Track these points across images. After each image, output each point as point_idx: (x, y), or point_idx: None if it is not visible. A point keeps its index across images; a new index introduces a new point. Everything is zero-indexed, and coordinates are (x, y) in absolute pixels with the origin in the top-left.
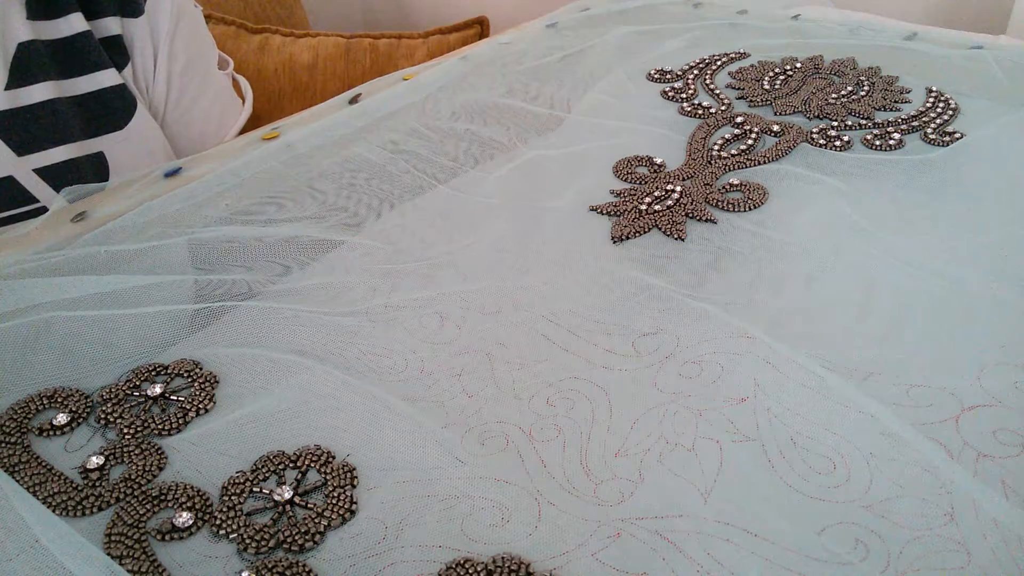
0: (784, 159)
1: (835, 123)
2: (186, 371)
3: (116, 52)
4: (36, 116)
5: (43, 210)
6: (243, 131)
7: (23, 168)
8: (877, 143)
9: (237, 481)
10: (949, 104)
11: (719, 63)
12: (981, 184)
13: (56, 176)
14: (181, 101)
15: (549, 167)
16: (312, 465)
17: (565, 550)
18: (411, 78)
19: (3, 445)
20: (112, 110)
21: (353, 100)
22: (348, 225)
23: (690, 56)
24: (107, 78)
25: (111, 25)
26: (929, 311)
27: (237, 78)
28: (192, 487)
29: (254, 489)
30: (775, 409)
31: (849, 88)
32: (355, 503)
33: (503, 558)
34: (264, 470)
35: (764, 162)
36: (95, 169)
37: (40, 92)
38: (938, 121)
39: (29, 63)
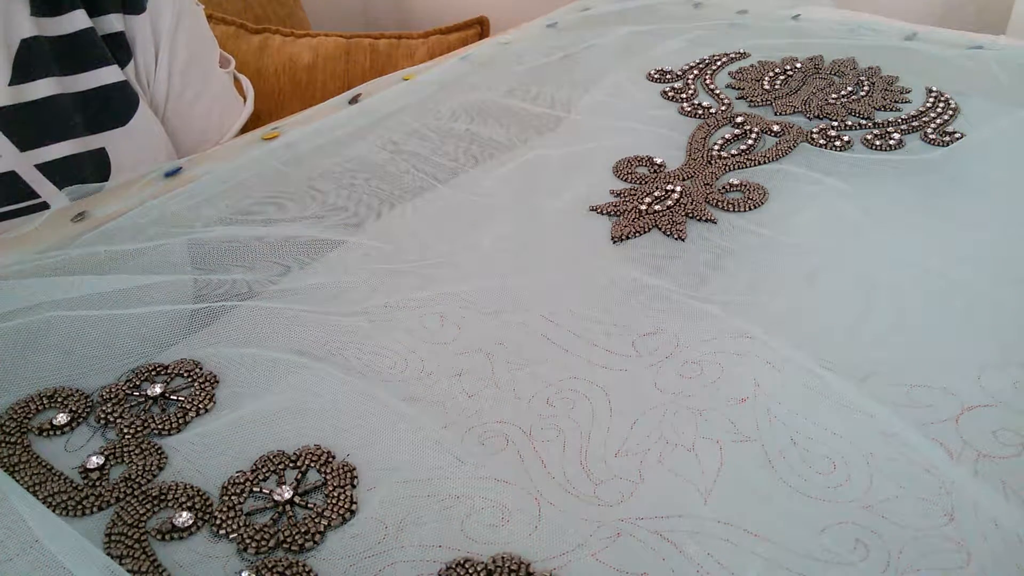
0: (784, 159)
1: (835, 123)
2: (186, 371)
3: (118, 49)
4: (38, 112)
5: (44, 205)
6: (243, 131)
7: (25, 164)
8: (877, 143)
9: (237, 481)
10: (949, 104)
11: (719, 63)
12: (981, 184)
13: (58, 172)
14: (182, 98)
15: (549, 167)
16: (312, 465)
17: (565, 550)
18: (411, 78)
19: (3, 445)
20: (114, 106)
21: (353, 100)
22: (348, 225)
23: (690, 56)
24: (109, 75)
25: (114, 22)
26: (929, 311)
27: (239, 77)
28: (192, 487)
29: (254, 489)
30: (775, 409)
31: (849, 88)
32: (355, 503)
33: (503, 558)
34: (264, 470)
35: (764, 162)
36: (97, 165)
37: (43, 88)
38: (938, 121)
39: (32, 59)
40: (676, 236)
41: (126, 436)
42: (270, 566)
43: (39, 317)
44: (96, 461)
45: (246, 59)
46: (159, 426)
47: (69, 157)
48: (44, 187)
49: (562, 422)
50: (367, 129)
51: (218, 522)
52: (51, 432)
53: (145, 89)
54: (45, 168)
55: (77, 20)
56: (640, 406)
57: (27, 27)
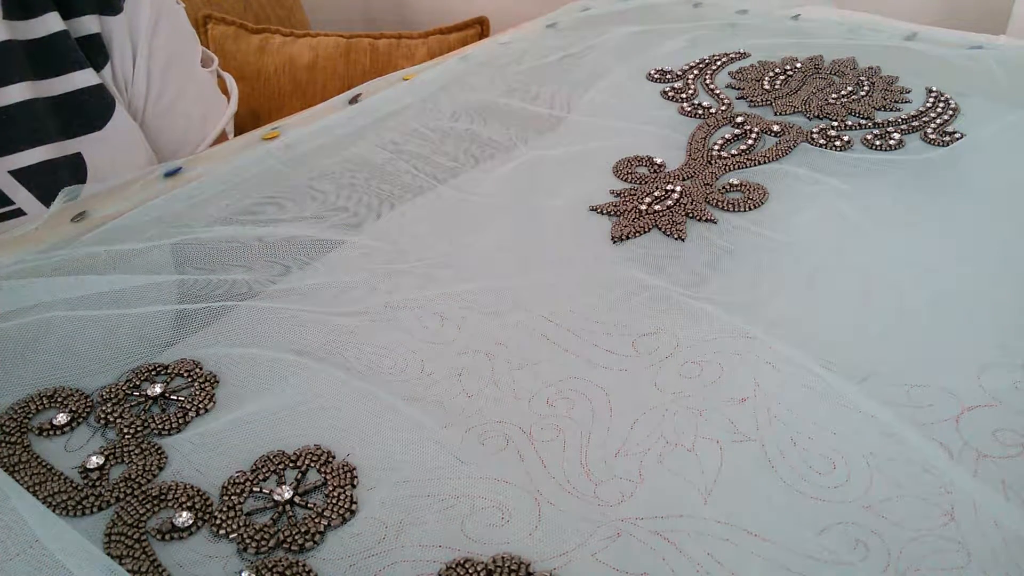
0: (784, 159)
1: (835, 123)
2: (186, 371)
3: (95, 51)
4: (12, 117)
5: (19, 212)
6: (243, 131)
7: None
8: (877, 143)
9: (237, 481)
10: (949, 104)
11: (719, 63)
12: (981, 184)
13: (33, 177)
14: (161, 100)
15: (549, 167)
16: (312, 465)
17: (565, 550)
18: (411, 78)
19: (3, 445)
20: (90, 111)
21: (353, 100)
22: (348, 225)
23: (690, 56)
24: (84, 78)
25: (89, 24)
26: (929, 311)
27: (223, 75)
28: (192, 487)
29: (254, 489)
30: (775, 409)
31: (849, 88)
32: (355, 503)
33: (503, 558)
34: (264, 470)
35: (764, 162)
36: (73, 170)
37: (16, 93)
38: (938, 121)
39: (5, 64)
40: (676, 236)
41: (126, 436)
42: (270, 566)
43: (39, 317)
44: (96, 461)
45: (246, 59)
46: (159, 426)
47: (44, 163)
48: (18, 193)
49: (562, 422)
50: (367, 129)
51: (218, 522)
52: (51, 432)
53: (123, 92)
54: (19, 174)
55: (50, 23)
56: (640, 406)
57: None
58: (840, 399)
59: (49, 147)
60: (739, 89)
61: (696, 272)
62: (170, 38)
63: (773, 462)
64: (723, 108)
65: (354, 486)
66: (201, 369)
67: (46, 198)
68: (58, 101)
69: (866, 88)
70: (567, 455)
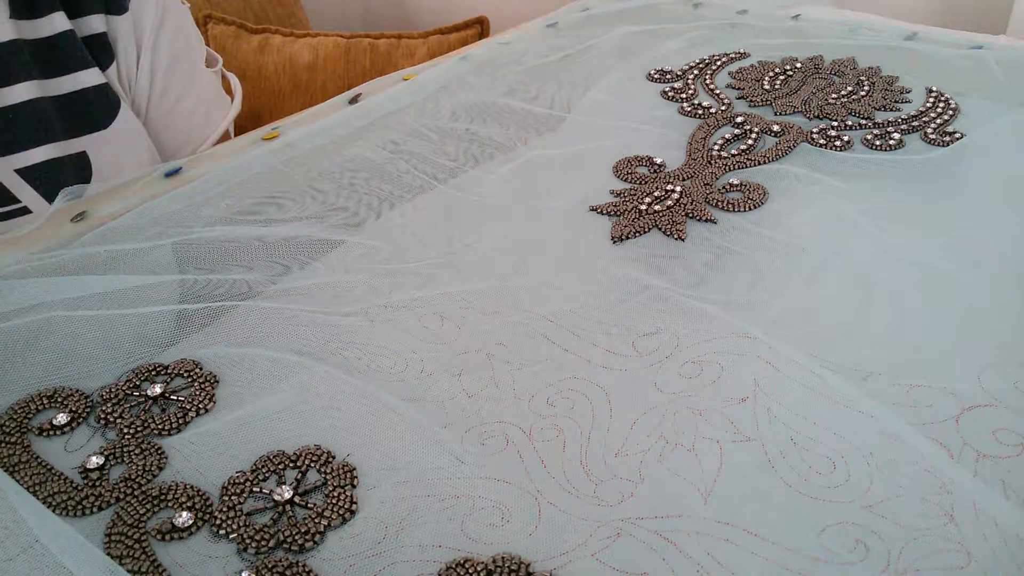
0: (784, 159)
1: (835, 123)
2: (186, 371)
3: (100, 50)
4: (18, 116)
5: (24, 210)
6: (243, 131)
7: (5, 168)
8: (877, 143)
9: (237, 481)
10: (949, 104)
11: (719, 63)
12: (981, 184)
13: (38, 176)
14: (165, 99)
15: (549, 167)
16: (312, 465)
17: (565, 550)
18: (411, 78)
19: (3, 445)
20: (95, 110)
21: (353, 100)
22: (348, 225)
23: (690, 56)
24: (89, 77)
25: (95, 23)
26: (929, 311)
27: (227, 75)
28: (192, 487)
29: (254, 489)
30: (775, 409)
31: (849, 88)
32: (355, 503)
33: (503, 558)
34: (264, 470)
35: (764, 162)
36: (78, 169)
37: (22, 92)
38: (938, 121)
39: (11, 63)
40: (676, 236)
41: (126, 436)
42: (270, 566)
43: (39, 317)
44: (96, 461)
45: (246, 59)
46: (159, 426)
47: (50, 161)
48: (24, 192)
49: (562, 422)
50: (367, 129)
51: (218, 522)
52: (51, 432)
53: (127, 90)
54: (25, 173)
55: (57, 23)
56: (640, 406)
57: (6, 30)
58: (840, 399)
59: (54, 146)
60: (739, 89)
61: (696, 272)
62: (174, 38)
63: (773, 462)
64: (723, 108)
65: (354, 486)
66: (201, 369)
67: (51, 196)
68: (63, 100)
69: (866, 88)
70: (567, 455)
